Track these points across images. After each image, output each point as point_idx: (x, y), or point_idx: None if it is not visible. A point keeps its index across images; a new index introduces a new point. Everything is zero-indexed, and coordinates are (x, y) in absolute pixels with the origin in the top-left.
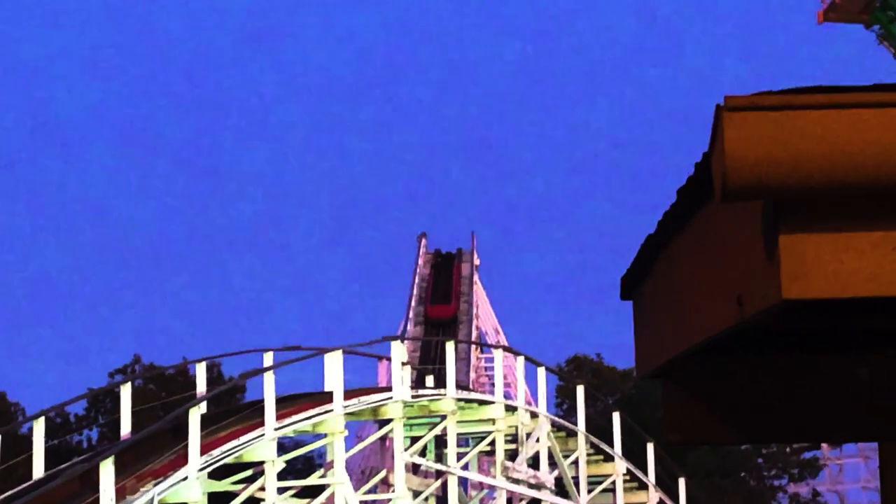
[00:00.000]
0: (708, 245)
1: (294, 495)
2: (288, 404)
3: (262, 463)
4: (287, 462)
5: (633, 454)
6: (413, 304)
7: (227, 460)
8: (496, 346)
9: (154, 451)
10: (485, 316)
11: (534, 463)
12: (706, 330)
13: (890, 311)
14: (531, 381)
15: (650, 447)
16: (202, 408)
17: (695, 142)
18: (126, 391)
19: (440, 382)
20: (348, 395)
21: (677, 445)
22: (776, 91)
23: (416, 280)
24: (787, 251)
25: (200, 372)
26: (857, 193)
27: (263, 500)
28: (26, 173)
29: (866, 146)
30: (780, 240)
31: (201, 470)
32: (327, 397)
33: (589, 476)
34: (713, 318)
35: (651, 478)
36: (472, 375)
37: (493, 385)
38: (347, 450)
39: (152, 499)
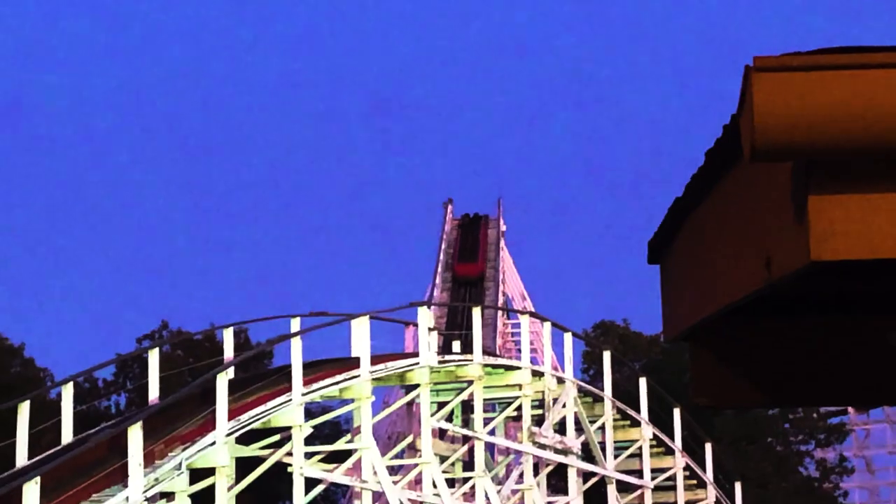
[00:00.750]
0: (736, 208)
1: (321, 460)
2: (315, 370)
3: (289, 428)
4: (314, 427)
5: (660, 420)
6: (440, 269)
7: (254, 425)
8: (523, 312)
9: (182, 417)
10: (511, 282)
11: (560, 428)
12: (734, 292)
13: None
14: (558, 346)
15: (677, 413)
16: (230, 373)
17: (727, 104)
18: (154, 357)
19: (467, 348)
20: (375, 360)
21: (705, 409)
22: (805, 52)
23: (443, 246)
24: (815, 213)
25: (228, 337)
26: (888, 154)
27: (291, 465)
28: (50, 145)
29: None
30: (808, 201)
31: (229, 435)
32: (354, 363)
33: (615, 441)
34: (741, 281)
35: (678, 443)
36: (499, 341)
37: (519, 351)
38: (374, 415)
39: (180, 463)
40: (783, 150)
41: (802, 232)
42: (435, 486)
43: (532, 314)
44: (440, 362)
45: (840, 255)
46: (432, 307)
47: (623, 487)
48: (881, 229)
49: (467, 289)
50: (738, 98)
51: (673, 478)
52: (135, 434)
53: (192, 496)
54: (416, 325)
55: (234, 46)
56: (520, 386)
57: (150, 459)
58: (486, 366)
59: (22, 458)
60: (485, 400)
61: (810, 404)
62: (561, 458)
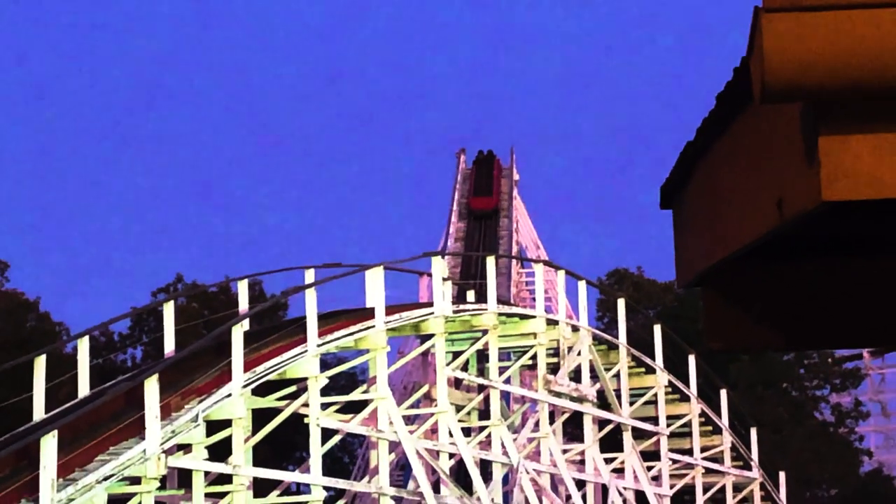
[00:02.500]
0: (747, 150)
1: (337, 411)
2: (330, 321)
3: (305, 379)
4: (330, 378)
5: (675, 366)
6: (453, 219)
7: (270, 377)
8: (536, 261)
9: (198, 369)
10: (525, 231)
11: (575, 376)
12: (747, 235)
13: None
14: (572, 295)
15: (692, 359)
16: (245, 325)
17: (740, 46)
18: (169, 309)
19: (481, 297)
20: (390, 310)
21: (719, 355)
22: None
23: (456, 196)
24: (826, 153)
25: (242, 290)
26: None
27: (307, 416)
28: (67, 98)
29: None
30: (819, 142)
31: (245, 386)
32: (369, 313)
33: (630, 389)
34: (753, 223)
35: (693, 389)
36: (513, 290)
37: (533, 300)
38: (389, 365)
39: (197, 415)
40: (793, 90)
41: (813, 173)
42: (451, 434)
43: (546, 263)
44: (455, 312)
45: (851, 195)
46: (446, 257)
47: (638, 434)
48: (892, 169)
49: (482, 223)
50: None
51: (688, 424)
52: (151, 387)
53: (208, 448)
54: (430, 275)
55: None
56: (534, 334)
57: (166, 412)
58: (500, 315)
59: (39, 412)
60: (500, 349)
61: (823, 346)
62: (576, 406)
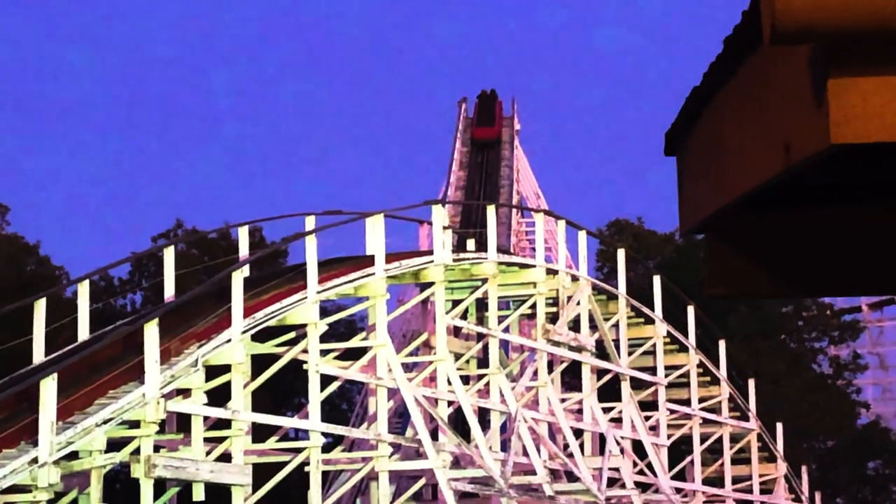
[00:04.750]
0: (755, 94)
1: (336, 358)
2: (330, 268)
3: (304, 326)
4: (329, 325)
5: (674, 317)
6: (454, 168)
7: (269, 323)
8: (537, 210)
9: (197, 314)
10: (525, 181)
11: (574, 326)
12: (753, 179)
13: None
14: (572, 245)
15: (690, 310)
16: (245, 271)
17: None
18: (169, 254)
19: (481, 246)
20: (390, 258)
21: (720, 299)
22: None
23: (457, 145)
24: (835, 96)
25: (243, 236)
26: None
27: (306, 362)
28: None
29: None
30: (828, 85)
31: (244, 332)
32: (369, 261)
33: (629, 339)
34: (760, 167)
35: (691, 340)
36: (513, 240)
37: (533, 250)
38: (389, 313)
39: (196, 360)
40: (804, 31)
41: (822, 116)
42: (449, 382)
43: (546, 212)
44: (455, 260)
45: (860, 137)
46: (447, 206)
47: (637, 384)
48: None
49: (485, 153)
50: None
51: (686, 375)
52: (151, 331)
53: (207, 393)
54: (430, 223)
55: None
56: (534, 284)
57: (166, 356)
58: (500, 264)
59: (39, 356)
60: (499, 298)
61: (824, 294)
62: (575, 356)
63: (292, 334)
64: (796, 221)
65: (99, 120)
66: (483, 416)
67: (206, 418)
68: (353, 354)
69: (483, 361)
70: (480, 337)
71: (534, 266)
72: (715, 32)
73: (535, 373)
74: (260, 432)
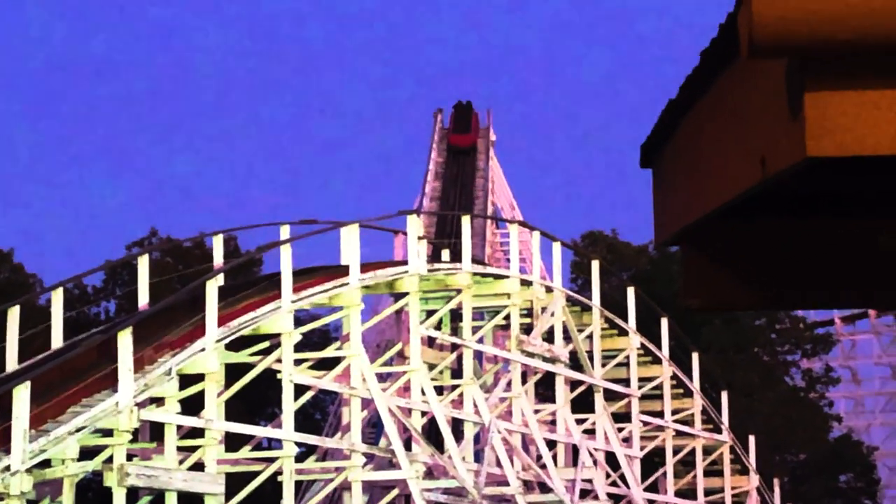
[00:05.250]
0: (731, 108)
1: (310, 367)
2: (304, 277)
3: (278, 335)
4: (303, 334)
5: (648, 329)
6: (429, 178)
7: (244, 332)
8: (512, 221)
9: (171, 323)
10: (500, 191)
11: (548, 337)
12: (728, 192)
13: None
14: (546, 256)
15: (664, 322)
16: (219, 280)
17: (722, 7)
18: (143, 263)
19: (456, 257)
20: (364, 268)
21: (695, 311)
22: None
23: (433, 155)
24: (812, 108)
25: (217, 245)
26: (885, 50)
27: (280, 371)
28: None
29: None
30: (805, 97)
31: (218, 341)
32: (343, 271)
33: (603, 350)
34: (736, 180)
35: (665, 352)
36: (488, 251)
37: (508, 260)
38: (363, 323)
39: (170, 369)
40: (781, 45)
41: (798, 128)
42: (423, 393)
43: (521, 223)
44: (429, 271)
45: (835, 150)
46: (422, 216)
47: (610, 396)
48: (876, 126)
49: (461, 163)
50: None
51: (660, 386)
52: (125, 339)
53: (181, 402)
54: (405, 233)
55: None
56: (508, 295)
57: (139, 365)
58: (475, 274)
59: (12, 363)
60: (473, 308)
61: (799, 307)
62: (549, 367)
63: (266, 344)
64: (772, 234)
65: (70, 130)
66: (457, 426)
67: (179, 427)
68: (327, 364)
69: (457, 372)
70: (454, 347)
71: (508, 277)
72: (692, 45)
73: (509, 384)
74: (233, 441)
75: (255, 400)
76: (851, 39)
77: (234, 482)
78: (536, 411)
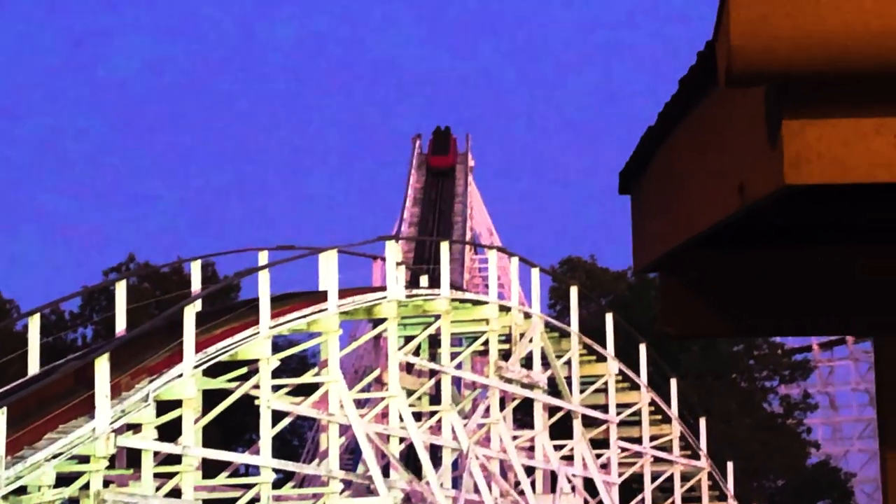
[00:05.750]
0: (709, 135)
1: (288, 393)
2: (282, 303)
3: (256, 361)
4: (281, 360)
5: (626, 355)
6: (408, 204)
7: (221, 358)
8: (490, 247)
9: (149, 349)
10: (479, 217)
11: (527, 363)
12: (706, 220)
13: (891, 198)
14: (525, 282)
15: (643, 348)
16: (197, 306)
17: (703, 33)
18: (121, 289)
19: (434, 283)
20: (343, 294)
21: (670, 343)
22: None
23: (411, 181)
24: (790, 136)
25: (195, 270)
26: (864, 77)
27: (258, 397)
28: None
29: (882, 27)
30: (782, 125)
31: (196, 367)
32: (322, 296)
33: (581, 376)
34: (714, 208)
35: (643, 378)
36: (466, 276)
37: (486, 286)
38: (341, 349)
39: (147, 395)
40: (759, 74)
41: (776, 156)
42: (402, 419)
43: (500, 249)
44: (408, 296)
45: (813, 178)
46: (400, 242)
47: (589, 422)
48: (854, 154)
49: (440, 188)
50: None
51: (638, 413)
52: (102, 365)
53: (158, 428)
54: (383, 259)
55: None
56: (487, 321)
57: (116, 391)
58: (453, 300)
59: None
60: (452, 334)
61: (776, 334)
62: (527, 393)
63: (244, 369)
64: (750, 261)
65: (47, 154)
66: (435, 452)
67: (156, 453)
68: (305, 390)
69: (435, 398)
70: (433, 373)
71: (487, 303)
72: (670, 72)
73: (488, 410)
74: (210, 468)
75: (233, 426)
76: (829, 68)
77: None
78: (515, 437)
